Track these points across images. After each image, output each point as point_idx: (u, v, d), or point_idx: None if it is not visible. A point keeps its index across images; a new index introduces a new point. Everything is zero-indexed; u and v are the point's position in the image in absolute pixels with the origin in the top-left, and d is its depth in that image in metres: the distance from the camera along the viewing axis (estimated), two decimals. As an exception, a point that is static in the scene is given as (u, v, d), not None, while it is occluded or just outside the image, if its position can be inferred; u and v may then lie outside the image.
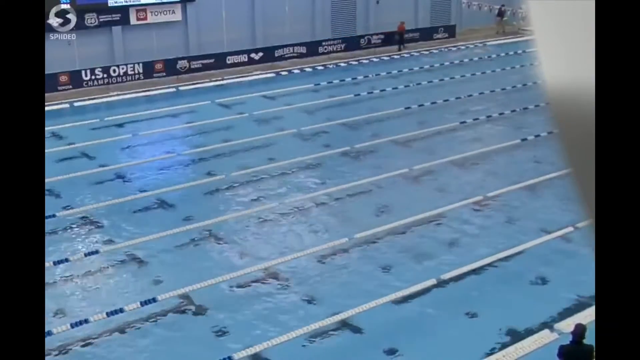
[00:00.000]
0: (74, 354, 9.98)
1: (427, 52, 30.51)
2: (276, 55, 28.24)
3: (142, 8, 26.60)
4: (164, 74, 25.75)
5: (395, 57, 29.61)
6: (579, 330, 8.27)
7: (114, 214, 14.49)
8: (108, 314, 10.68)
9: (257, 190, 15.67)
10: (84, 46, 25.33)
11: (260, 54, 27.95)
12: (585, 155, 1.49)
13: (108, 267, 12.45)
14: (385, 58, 29.36)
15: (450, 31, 33.03)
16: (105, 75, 24.73)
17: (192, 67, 26.37)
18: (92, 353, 10.02)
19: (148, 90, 24.47)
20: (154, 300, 11.07)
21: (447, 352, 9.86)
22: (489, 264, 12.16)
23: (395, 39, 30.79)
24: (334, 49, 29.73)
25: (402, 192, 15.71)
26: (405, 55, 30.02)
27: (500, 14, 33.42)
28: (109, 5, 25.80)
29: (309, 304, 11.14)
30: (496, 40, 32.43)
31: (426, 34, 32.26)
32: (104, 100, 23.53)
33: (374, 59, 29.14)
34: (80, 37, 24.67)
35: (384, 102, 22.86)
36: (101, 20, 25.83)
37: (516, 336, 10.11)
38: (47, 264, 11.68)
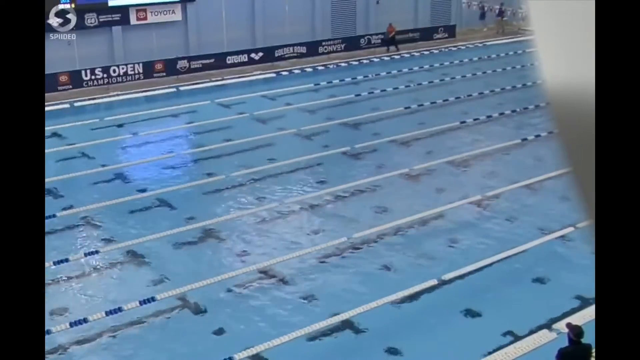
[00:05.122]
0: (73, 353, 9.98)
1: (427, 52, 30.52)
2: (276, 55, 28.23)
3: (142, 8, 26.59)
4: (164, 74, 25.73)
5: (396, 57, 29.59)
6: (576, 331, 8.24)
7: (114, 214, 14.49)
8: (107, 314, 10.68)
9: (257, 190, 15.66)
10: (84, 46, 25.32)
11: (260, 54, 27.94)
12: (585, 155, 1.49)
13: (108, 267, 12.45)
14: (385, 58, 29.36)
15: (450, 31, 33.03)
16: (105, 75, 24.71)
17: (192, 67, 26.36)
18: (91, 352, 10.02)
19: (148, 90, 24.45)
20: (153, 299, 11.07)
21: (447, 352, 9.86)
22: (489, 264, 12.16)
23: (386, 40, 30.37)
24: (334, 49, 29.71)
25: (402, 191, 15.71)
26: (406, 55, 30.01)
27: (500, 13, 33.43)
28: (109, 5, 25.80)
29: (309, 303, 11.13)
30: (496, 40, 32.42)
31: (426, 34, 32.23)
32: (104, 100, 23.52)
33: (374, 59, 29.13)
34: (80, 37, 24.64)
35: (384, 102, 22.86)
36: (101, 20, 25.82)
37: (516, 336, 10.11)
38: (47, 264, 11.69)
